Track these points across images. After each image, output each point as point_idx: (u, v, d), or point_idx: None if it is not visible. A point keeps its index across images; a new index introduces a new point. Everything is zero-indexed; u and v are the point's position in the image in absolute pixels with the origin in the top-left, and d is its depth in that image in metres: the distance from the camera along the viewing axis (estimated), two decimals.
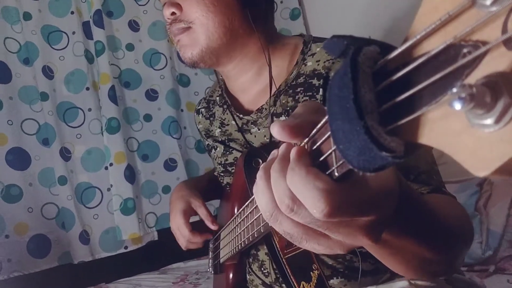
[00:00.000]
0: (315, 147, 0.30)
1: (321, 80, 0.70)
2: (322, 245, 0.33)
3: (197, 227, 0.91)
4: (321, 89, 0.69)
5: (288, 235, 0.33)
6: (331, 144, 0.28)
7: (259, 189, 0.33)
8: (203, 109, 0.96)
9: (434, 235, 0.45)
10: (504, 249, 1.19)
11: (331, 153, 0.28)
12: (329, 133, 0.28)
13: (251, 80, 0.79)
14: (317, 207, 0.27)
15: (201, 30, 0.72)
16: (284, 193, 0.30)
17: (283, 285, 0.67)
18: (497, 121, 0.18)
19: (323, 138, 0.29)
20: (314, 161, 0.30)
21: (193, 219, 0.92)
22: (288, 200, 0.30)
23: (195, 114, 1.00)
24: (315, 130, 0.31)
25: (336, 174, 0.28)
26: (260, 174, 0.33)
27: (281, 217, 0.32)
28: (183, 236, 0.91)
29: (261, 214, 0.41)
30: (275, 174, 0.31)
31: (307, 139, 0.32)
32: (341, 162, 0.28)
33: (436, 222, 0.45)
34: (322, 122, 0.30)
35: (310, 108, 0.34)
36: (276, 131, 0.31)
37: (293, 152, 0.30)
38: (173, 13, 0.73)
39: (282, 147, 0.33)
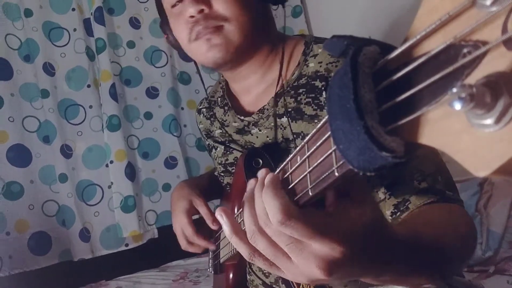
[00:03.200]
0: (285, 176, 0.38)
1: (324, 82, 0.69)
2: (287, 270, 0.39)
3: (198, 225, 0.90)
4: (324, 92, 0.68)
5: (264, 257, 0.41)
6: (331, 144, 0.28)
7: (245, 213, 0.41)
8: (204, 109, 0.96)
9: (430, 266, 0.47)
10: (504, 250, 1.19)
11: (298, 182, 0.36)
12: (329, 133, 0.28)
13: (256, 82, 0.78)
14: (275, 216, 0.35)
15: (237, 28, 0.68)
16: (262, 210, 0.38)
17: (283, 285, 0.67)
18: (497, 121, 0.18)
19: (296, 165, 0.36)
20: (284, 187, 0.38)
21: (194, 218, 0.92)
22: (264, 215, 0.37)
23: (197, 113, 0.99)
24: (285, 162, 0.38)
25: (310, 193, 0.34)
26: (245, 199, 0.42)
27: (258, 237, 0.39)
28: (185, 237, 0.91)
29: None
30: (257, 193, 0.40)
31: (280, 168, 0.39)
32: (341, 162, 0.28)
33: (433, 254, 0.47)
34: (322, 122, 0.30)
35: None
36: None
37: (268, 178, 0.39)
38: (201, 11, 0.67)
39: (260, 175, 0.41)
